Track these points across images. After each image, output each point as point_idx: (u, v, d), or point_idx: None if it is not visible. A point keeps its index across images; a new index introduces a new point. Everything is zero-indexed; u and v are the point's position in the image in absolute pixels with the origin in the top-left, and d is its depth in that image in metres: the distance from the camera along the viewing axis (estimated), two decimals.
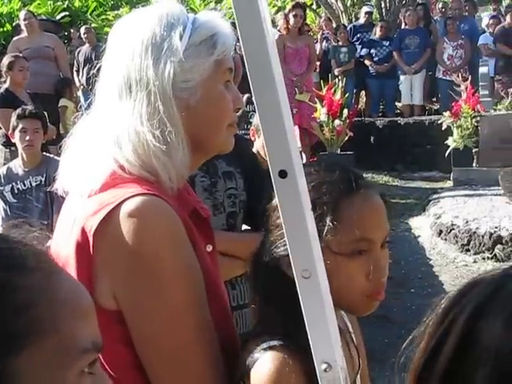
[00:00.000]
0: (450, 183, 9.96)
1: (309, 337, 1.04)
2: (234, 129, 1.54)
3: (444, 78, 12.40)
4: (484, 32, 13.11)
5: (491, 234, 6.99)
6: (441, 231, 7.56)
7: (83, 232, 1.33)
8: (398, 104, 13.38)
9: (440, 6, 14.26)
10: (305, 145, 9.28)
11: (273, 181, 0.97)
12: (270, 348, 1.31)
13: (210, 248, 1.55)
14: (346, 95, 9.39)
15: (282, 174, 0.96)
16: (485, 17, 14.12)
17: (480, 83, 11.76)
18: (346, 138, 9.22)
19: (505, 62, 12.10)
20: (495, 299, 0.63)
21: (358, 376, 1.50)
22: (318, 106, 8.92)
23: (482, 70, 12.19)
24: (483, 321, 0.62)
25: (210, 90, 1.46)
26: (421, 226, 8.11)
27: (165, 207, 1.37)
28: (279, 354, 1.28)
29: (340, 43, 12.61)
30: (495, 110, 10.69)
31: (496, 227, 7.07)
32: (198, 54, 1.44)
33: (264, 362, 1.29)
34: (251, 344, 1.35)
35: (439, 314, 0.68)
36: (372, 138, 11.42)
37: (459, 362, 0.62)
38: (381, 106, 13.42)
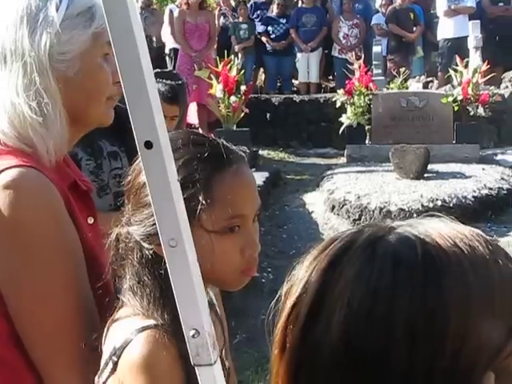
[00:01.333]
0: (343, 160, 10.18)
1: (177, 304, 1.06)
2: (114, 102, 1.53)
3: (339, 56, 12.61)
4: (377, 12, 13.39)
5: (381, 209, 7.21)
6: (334, 206, 7.73)
7: None
8: (295, 81, 13.53)
9: None
10: (203, 121, 9.28)
11: (139, 152, 0.98)
12: (143, 329, 1.29)
13: (91, 220, 1.54)
14: (242, 72, 9.40)
15: (148, 145, 0.97)
16: None
17: (373, 62, 12.04)
18: (242, 115, 9.25)
19: (396, 41, 12.43)
20: (348, 252, 0.68)
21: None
22: (214, 82, 8.92)
23: (376, 49, 12.47)
24: (337, 271, 0.67)
25: (87, 63, 1.45)
26: (315, 201, 8.26)
27: (42, 179, 1.36)
28: (152, 335, 1.27)
29: (240, 20, 12.62)
30: (388, 88, 10.96)
31: (386, 202, 7.30)
32: (75, 26, 1.43)
33: (137, 343, 1.27)
34: (124, 325, 1.33)
35: (301, 268, 0.72)
36: (268, 115, 11.50)
37: (318, 311, 0.66)
38: (278, 84, 13.53)
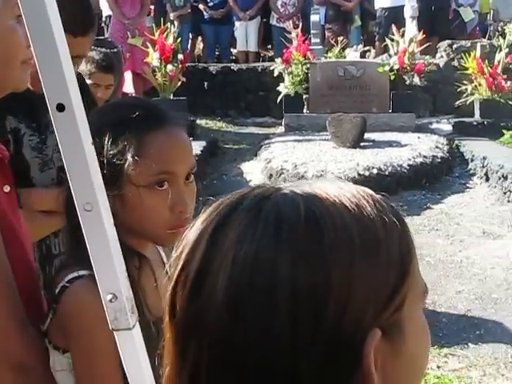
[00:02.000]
0: (281, 129, 10.20)
1: (94, 269, 1.05)
2: (29, 66, 1.49)
3: (278, 25, 12.56)
4: None
5: (318, 178, 7.26)
6: (271, 175, 7.76)
7: None
8: (234, 50, 13.45)
9: None
10: (139, 90, 9.16)
11: (51, 115, 0.96)
12: (79, 277, 1.34)
13: (7, 189, 1.51)
14: (179, 40, 9.30)
15: (60, 108, 0.95)
16: None
17: (311, 31, 12.02)
18: (179, 84, 9.17)
19: (334, 11, 12.46)
20: (234, 214, 0.68)
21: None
22: (151, 50, 8.81)
23: (314, 18, 12.43)
24: (223, 234, 0.67)
25: None
26: (252, 170, 8.27)
27: None
28: (87, 283, 1.30)
29: None
30: (325, 57, 10.99)
31: (322, 171, 7.36)
32: None
33: (73, 290, 1.34)
34: (62, 274, 1.38)
35: (190, 231, 0.72)
36: (206, 84, 11.42)
37: (205, 275, 0.66)
38: (217, 52, 13.43)
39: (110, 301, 1.07)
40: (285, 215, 0.66)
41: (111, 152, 1.36)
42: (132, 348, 1.08)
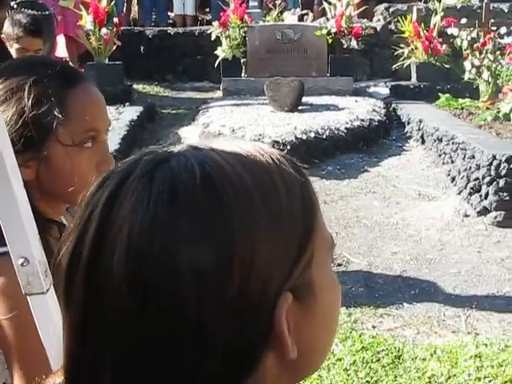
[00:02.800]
0: (219, 93, 10.13)
1: (4, 233, 1.02)
2: None
3: None
4: None
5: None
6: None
7: None
8: (171, 14, 13.25)
9: None
10: (72, 54, 8.95)
11: None
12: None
13: None
14: (113, 2, 9.10)
15: None
16: None
17: None
18: (115, 48, 9.01)
19: None
20: (125, 183, 0.63)
21: None
22: (84, 13, 8.60)
23: None
24: (116, 205, 0.62)
25: None
26: (190, 135, 8.20)
27: None
28: (4, 263, 1.25)
29: None
30: (264, 21, 10.92)
31: (260, 135, 7.34)
32: None
33: None
34: None
35: (82, 205, 0.67)
36: (142, 48, 11.25)
37: (102, 244, 0.62)
38: (154, 16, 13.21)
39: (22, 265, 1.03)
40: (179, 181, 0.62)
41: (34, 112, 1.31)
42: (45, 312, 1.05)
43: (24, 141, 1.29)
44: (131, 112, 8.47)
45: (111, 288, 0.61)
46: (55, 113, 1.30)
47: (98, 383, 0.62)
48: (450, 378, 3.43)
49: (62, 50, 8.40)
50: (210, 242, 0.60)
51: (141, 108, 8.75)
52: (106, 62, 8.99)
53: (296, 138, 7.30)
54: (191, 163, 0.63)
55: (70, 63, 8.28)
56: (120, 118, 8.01)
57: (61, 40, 8.29)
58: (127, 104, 8.80)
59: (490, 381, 3.40)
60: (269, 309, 0.62)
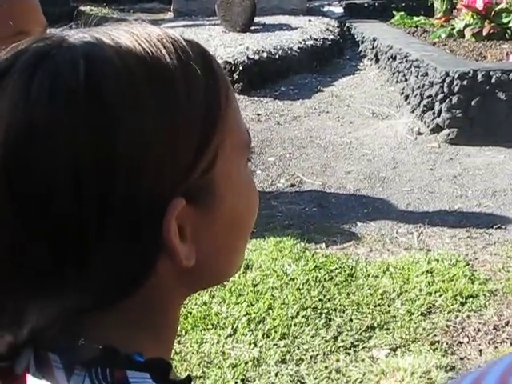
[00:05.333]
0: (170, 14, 9.89)
1: None
2: None
3: None
4: None
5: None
6: None
7: None
8: None
9: None
10: None
11: None
12: None
13: None
14: None
15: None
16: None
17: None
18: None
19: None
20: (5, 77, 0.56)
21: None
22: None
23: None
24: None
25: None
26: None
27: None
28: None
29: None
30: None
31: None
32: None
33: None
34: None
35: None
36: None
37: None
38: None
39: None
40: (61, 77, 0.54)
41: None
42: None
43: None
44: None
45: None
46: None
47: None
48: (401, 293, 3.45)
49: None
50: (92, 146, 0.53)
51: None
52: None
53: (248, 58, 7.16)
54: (77, 57, 0.55)
55: None
56: None
57: None
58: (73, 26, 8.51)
59: (440, 295, 3.42)
60: (157, 214, 0.56)
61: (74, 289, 0.56)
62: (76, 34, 0.59)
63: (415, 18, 9.02)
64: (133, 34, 0.59)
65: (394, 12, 9.23)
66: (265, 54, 7.35)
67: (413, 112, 6.29)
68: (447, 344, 3.06)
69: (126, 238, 0.56)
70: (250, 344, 3.03)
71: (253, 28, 8.35)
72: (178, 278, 0.61)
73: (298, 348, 3.03)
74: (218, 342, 3.05)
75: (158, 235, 0.57)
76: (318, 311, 3.29)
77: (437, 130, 5.85)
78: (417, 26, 8.76)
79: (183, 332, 3.11)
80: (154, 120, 0.55)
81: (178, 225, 0.58)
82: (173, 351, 2.70)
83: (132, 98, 0.55)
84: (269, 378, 2.85)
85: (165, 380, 0.58)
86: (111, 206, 0.54)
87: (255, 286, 3.49)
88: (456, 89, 5.73)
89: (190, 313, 3.24)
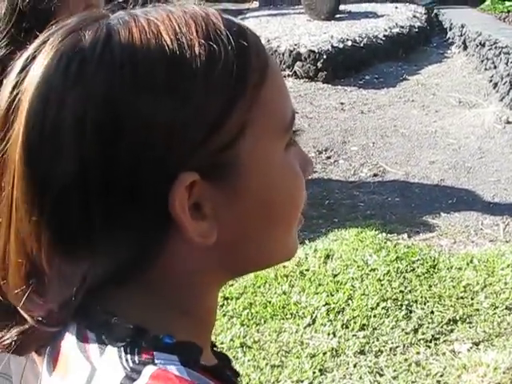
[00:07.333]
0: (255, 3, 9.92)
1: None
2: None
3: None
4: None
5: (291, 52, 7.08)
6: None
7: None
8: None
9: None
10: None
11: None
12: None
13: None
14: None
15: None
16: None
17: None
18: None
19: None
20: (42, 46, 0.59)
21: None
22: None
23: None
24: (25, 72, 0.58)
25: None
26: None
27: None
28: None
29: None
30: None
31: (296, 45, 7.16)
32: None
33: None
34: None
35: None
36: None
37: (8, 125, 0.58)
38: None
39: None
40: (81, 52, 0.57)
41: None
42: None
43: None
44: None
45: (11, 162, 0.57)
46: None
47: None
48: (485, 286, 3.37)
49: None
50: (97, 115, 0.55)
51: None
52: None
53: (332, 46, 7.10)
54: (101, 36, 0.58)
55: None
56: None
57: None
58: None
59: None
60: (162, 187, 0.57)
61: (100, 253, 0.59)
62: (117, 13, 0.61)
63: (507, 3, 8.75)
64: (170, 11, 0.60)
65: None
66: (349, 43, 7.28)
67: (501, 100, 6.12)
68: None
69: (130, 208, 0.56)
70: (328, 334, 3.03)
71: (338, 16, 8.27)
72: (202, 259, 0.61)
73: (378, 339, 3.00)
74: (296, 332, 3.05)
75: (164, 209, 0.57)
76: (399, 303, 3.25)
77: None
78: (508, 12, 8.50)
79: (262, 321, 3.13)
80: (161, 94, 0.56)
81: (195, 201, 0.58)
82: (251, 339, 2.72)
83: (143, 73, 0.56)
84: (347, 368, 2.84)
85: (195, 364, 0.59)
86: (114, 176, 0.55)
87: (335, 276, 3.47)
88: None
89: (270, 302, 3.26)
